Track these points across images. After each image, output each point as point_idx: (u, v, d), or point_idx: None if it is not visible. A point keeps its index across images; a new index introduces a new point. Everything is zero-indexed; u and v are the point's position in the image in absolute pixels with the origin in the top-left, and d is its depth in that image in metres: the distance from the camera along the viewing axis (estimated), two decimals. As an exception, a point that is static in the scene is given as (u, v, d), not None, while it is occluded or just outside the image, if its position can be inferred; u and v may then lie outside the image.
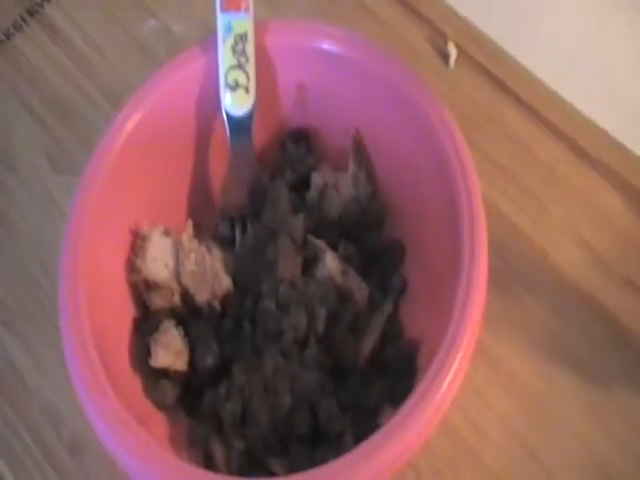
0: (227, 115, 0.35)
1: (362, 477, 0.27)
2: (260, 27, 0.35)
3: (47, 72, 0.44)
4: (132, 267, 0.34)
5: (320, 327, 0.33)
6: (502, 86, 0.44)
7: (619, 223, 0.39)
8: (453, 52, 0.45)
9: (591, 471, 0.35)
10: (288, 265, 0.34)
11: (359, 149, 0.37)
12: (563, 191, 0.40)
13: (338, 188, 0.38)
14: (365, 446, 0.27)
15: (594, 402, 0.36)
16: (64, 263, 0.31)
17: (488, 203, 0.31)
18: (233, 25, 0.34)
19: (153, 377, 0.33)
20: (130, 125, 0.34)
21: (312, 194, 0.37)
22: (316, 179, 0.37)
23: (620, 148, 0.41)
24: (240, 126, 0.35)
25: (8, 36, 0.45)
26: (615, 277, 0.38)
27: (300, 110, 0.38)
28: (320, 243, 0.35)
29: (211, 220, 0.37)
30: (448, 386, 0.28)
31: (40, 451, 0.37)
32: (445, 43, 0.45)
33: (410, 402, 0.28)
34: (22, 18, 0.45)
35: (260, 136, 0.37)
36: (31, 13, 0.45)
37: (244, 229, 0.37)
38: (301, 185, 0.38)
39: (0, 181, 0.42)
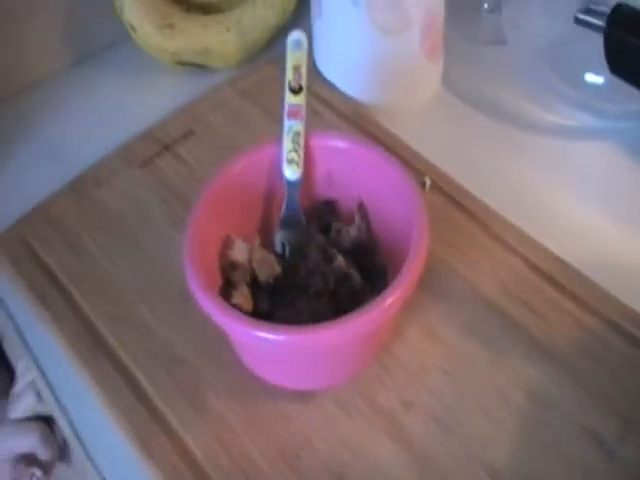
0: (286, 180, 0.61)
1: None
2: (308, 132, 0.62)
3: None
4: (223, 255, 0.59)
5: (331, 286, 0.57)
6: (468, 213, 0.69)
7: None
8: (427, 182, 0.71)
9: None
10: (315, 258, 0.59)
11: (361, 209, 0.63)
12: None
13: (348, 232, 0.62)
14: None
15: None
16: (187, 248, 0.54)
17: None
18: (293, 127, 0.61)
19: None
20: (226, 178, 0.59)
21: (333, 234, 0.62)
22: (336, 226, 0.62)
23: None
24: (292, 187, 0.61)
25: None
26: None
27: (328, 186, 0.63)
28: (335, 251, 0.59)
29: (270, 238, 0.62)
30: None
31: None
32: (421, 175, 0.71)
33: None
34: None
35: (303, 198, 0.62)
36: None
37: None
38: (326, 230, 0.63)
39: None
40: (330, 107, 0.75)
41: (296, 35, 0.65)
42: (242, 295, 0.57)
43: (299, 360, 0.54)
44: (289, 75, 0.63)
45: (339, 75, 0.79)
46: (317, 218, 0.63)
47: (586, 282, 0.60)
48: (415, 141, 0.72)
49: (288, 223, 0.62)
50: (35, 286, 0.63)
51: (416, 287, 0.51)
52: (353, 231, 0.62)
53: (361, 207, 0.62)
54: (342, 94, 0.78)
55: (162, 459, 0.52)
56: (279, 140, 0.60)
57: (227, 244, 0.59)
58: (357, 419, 0.54)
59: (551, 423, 0.53)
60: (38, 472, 0.64)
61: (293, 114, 0.62)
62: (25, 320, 0.64)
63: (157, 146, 0.73)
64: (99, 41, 0.85)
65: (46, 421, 0.65)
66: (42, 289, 0.62)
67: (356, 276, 0.58)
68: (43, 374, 0.61)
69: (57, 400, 0.60)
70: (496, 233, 0.65)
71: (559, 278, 0.61)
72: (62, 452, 0.66)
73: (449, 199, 0.67)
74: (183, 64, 0.82)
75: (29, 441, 0.64)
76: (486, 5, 0.85)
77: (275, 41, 0.85)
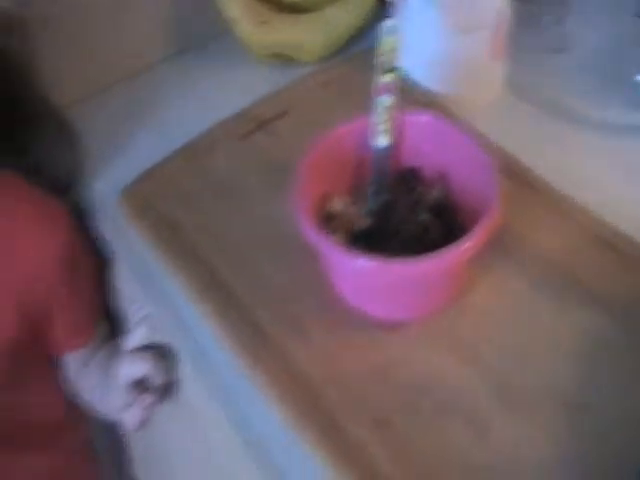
0: (377, 147, 0.70)
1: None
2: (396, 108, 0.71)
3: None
4: (322, 208, 0.68)
5: (418, 234, 0.66)
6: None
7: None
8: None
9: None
10: (403, 212, 0.68)
11: (442, 176, 0.71)
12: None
13: (431, 193, 0.71)
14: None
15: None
16: (297, 197, 0.63)
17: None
18: (384, 101, 0.71)
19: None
20: (325, 144, 0.69)
21: (416, 195, 0.71)
22: (419, 189, 0.71)
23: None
24: (382, 153, 0.70)
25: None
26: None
27: (413, 155, 0.72)
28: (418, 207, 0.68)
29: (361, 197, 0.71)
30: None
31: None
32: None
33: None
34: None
35: (391, 165, 0.71)
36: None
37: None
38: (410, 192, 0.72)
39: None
40: (405, 94, 0.85)
41: (390, 22, 0.74)
42: (340, 241, 0.66)
43: (392, 290, 0.63)
44: (383, 56, 0.72)
45: (414, 67, 0.88)
46: (403, 182, 0.72)
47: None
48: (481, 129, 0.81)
49: (378, 185, 0.71)
50: (155, 230, 0.72)
51: (488, 247, 0.60)
52: (435, 193, 0.71)
53: (442, 175, 0.71)
54: (417, 84, 0.87)
55: (272, 376, 0.61)
56: (371, 113, 0.70)
57: (326, 199, 0.69)
58: (439, 347, 0.62)
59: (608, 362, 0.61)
60: (149, 398, 0.73)
61: (385, 90, 0.71)
62: (150, 262, 0.73)
63: (253, 124, 0.83)
64: (201, 33, 0.96)
65: (159, 350, 0.74)
66: (161, 233, 0.72)
67: (437, 228, 0.67)
68: (166, 304, 0.70)
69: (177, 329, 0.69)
70: (562, 208, 0.73)
71: (617, 244, 0.69)
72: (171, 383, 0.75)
73: (517, 178, 0.76)
74: (275, 57, 0.92)
75: (142, 367, 0.73)
76: (548, 17, 0.94)
77: (355, 40, 0.94)
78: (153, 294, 0.73)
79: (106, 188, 0.79)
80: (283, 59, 0.93)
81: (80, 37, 0.85)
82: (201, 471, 0.83)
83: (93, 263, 0.82)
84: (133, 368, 0.73)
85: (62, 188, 0.80)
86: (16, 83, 0.75)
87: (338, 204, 0.69)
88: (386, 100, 0.71)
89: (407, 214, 0.68)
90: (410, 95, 0.84)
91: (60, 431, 0.89)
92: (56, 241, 0.74)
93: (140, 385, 0.74)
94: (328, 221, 0.68)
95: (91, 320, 0.82)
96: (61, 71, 0.80)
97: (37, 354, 0.82)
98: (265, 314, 0.65)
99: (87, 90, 0.86)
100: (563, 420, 0.58)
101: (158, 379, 0.73)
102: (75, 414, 0.89)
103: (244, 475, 0.66)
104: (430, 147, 0.71)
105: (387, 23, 0.74)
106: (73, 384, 0.85)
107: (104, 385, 0.80)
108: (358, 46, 0.94)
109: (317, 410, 0.59)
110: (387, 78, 0.72)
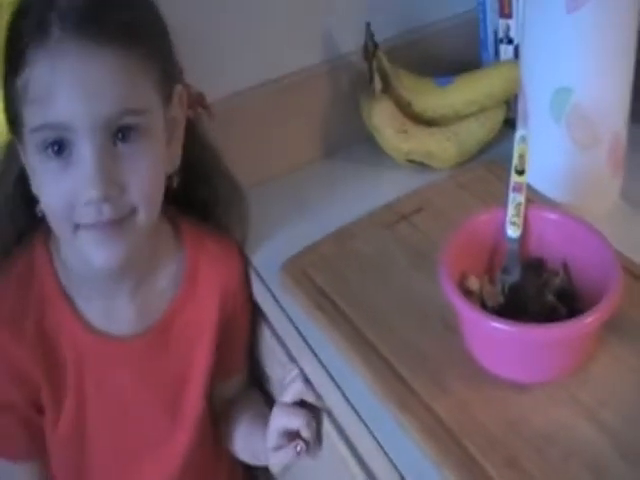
0: (508, 236, 0.81)
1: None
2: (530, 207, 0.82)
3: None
4: (459, 285, 0.78)
5: (545, 313, 0.76)
6: None
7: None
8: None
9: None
10: (532, 292, 0.78)
11: (565, 266, 0.81)
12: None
13: (554, 280, 0.81)
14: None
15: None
16: (443, 272, 0.75)
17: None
18: (516, 198, 0.82)
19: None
20: (464, 230, 0.80)
21: (543, 280, 0.81)
22: (545, 275, 0.81)
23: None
24: (513, 243, 0.81)
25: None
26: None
27: (538, 245, 0.83)
28: (546, 290, 0.78)
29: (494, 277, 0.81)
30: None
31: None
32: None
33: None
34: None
35: (520, 252, 0.82)
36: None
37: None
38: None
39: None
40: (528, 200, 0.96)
41: (521, 133, 0.86)
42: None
43: (523, 355, 0.72)
44: (515, 160, 0.84)
45: (537, 177, 0.99)
46: (531, 268, 0.82)
47: None
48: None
49: (509, 269, 0.81)
50: (310, 297, 0.84)
51: (609, 328, 0.70)
52: (558, 280, 0.81)
53: (565, 265, 0.81)
54: (539, 192, 0.98)
55: (415, 417, 0.71)
56: (503, 208, 0.81)
57: (464, 277, 0.79)
58: (564, 406, 0.71)
59: None
60: (302, 444, 0.83)
61: (517, 189, 0.83)
62: (305, 324, 0.85)
63: (396, 216, 0.95)
64: (346, 138, 1.10)
65: (311, 408, 0.85)
66: (317, 301, 0.83)
67: (562, 310, 0.77)
68: (319, 362, 0.81)
69: (329, 380, 0.80)
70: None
71: None
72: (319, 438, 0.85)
73: (632, 273, 0.85)
74: (411, 162, 1.05)
75: (296, 421, 0.83)
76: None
77: (483, 151, 1.07)
78: (303, 352, 0.84)
79: (266, 260, 0.93)
80: (418, 164, 1.06)
81: (252, 135, 1.02)
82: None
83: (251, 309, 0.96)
84: (288, 420, 0.84)
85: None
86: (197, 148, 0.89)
87: (474, 282, 0.79)
88: (517, 197, 0.82)
89: (535, 295, 0.78)
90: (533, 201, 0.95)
91: None
92: (235, 271, 0.91)
93: (291, 434, 0.84)
94: (467, 296, 0.78)
95: (243, 356, 0.96)
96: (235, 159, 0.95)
97: None
98: (408, 370, 0.75)
99: (250, 178, 1.01)
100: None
101: (308, 433, 0.83)
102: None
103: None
104: (555, 239, 0.81)
105: (519, 133, 0.86)
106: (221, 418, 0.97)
107: (252, 425, 0.92)
108: (487, 154, 1.06)
109: (455, 448, 0.68)
110: (518, 179, 0.83)
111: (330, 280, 0.86)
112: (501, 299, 0.79)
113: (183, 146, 0.85)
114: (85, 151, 0.72)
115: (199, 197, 0.91)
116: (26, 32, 0.72)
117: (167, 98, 0.80)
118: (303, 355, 0.85)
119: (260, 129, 1.04)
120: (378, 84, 1.05)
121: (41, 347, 0.84)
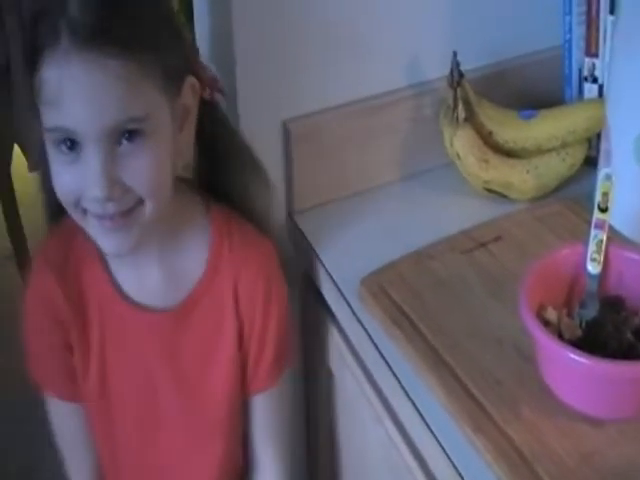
0: (588, 272, 0.82)
1: None
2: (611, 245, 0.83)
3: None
4: (537, 315, 0.79)
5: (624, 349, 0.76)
6: None
7: None
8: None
9: None
10: (611, 329, 0.79)
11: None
12: None
13: (634, 319, 0.82)
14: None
15: None
16: (522, 303, 0.76)
17: None
18: (598, 235, 0.83)
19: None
20: (545, 263, 0.81)
21: (621, 318, 0.82)
22: (624, 313, 0.82)
23: None
24: (593, 279, 0.82)
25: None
26: None
27: (618, 283, 0.84)
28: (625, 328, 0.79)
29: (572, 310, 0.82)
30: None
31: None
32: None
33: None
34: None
35: (599, 289, 0.83)
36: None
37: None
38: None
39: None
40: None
41: (606, 171, 0.87)
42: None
43: (599, 389, 0.73)
44: (598, 197, 0.85)
45: (616, 217, 1.00)
46: (609, 305, 0.83)
47: None
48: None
49: (586, 304, 0.82)
50: (387, 312, 0.86)
51: None
52: (637, 320, 0.81)
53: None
54: (619, 232, 0.98)
55: (489, 439, 0.72)
56: (584, 244, 0.82)
57: (541, 307, 0.81)
58: (637, 445, 0.72)
59: None
60: None
61: (599, 226, 0.84)
62: (381, 339, 0.87)
63: (474, 243, 0.96)
64: (425, 163, 1.12)
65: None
66: (394, 317, 0.85)
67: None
68: (394, 376, 0.83)
69: (402, 394, 0.81)
70: None
71: None
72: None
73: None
74: (489, 191, 1.07)
75: None
76: None
77: (561, 186, 1.08)
78: (379, 365, 0.86)
79: (345, 273, 0.95)
80: (496, 194, 1.07)
81: (334, 152, 1.06)
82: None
83: (286, 314, 0.93)
84: None
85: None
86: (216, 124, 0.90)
87: (552, 314, 0.80)
88: (599, 234, 0.83)
89: (614, 332, 0.79)
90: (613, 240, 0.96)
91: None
92: (255, 264, 0.90)
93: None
94: (545, 326, 0.79)
95: (279, 364, 0.94)
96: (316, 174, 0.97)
97: None
98: (482, 393, 0.77)
99: (330, 194, 1.03)
100: None
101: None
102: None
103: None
104: (635, 279, 0.82)
105: (604, 171, 0.87)
106: None
107: None
108: (565, 190, 1.07)
109: (528, 473, 0.69)
110: (601, 216, 0.84)
111: (407, 299, 0.88)
112: (579, 332, 0.80)
113: (203, 131, 0.87)
114: (90, 155, 0.75)
115: (223, 181, 0.93)
116: (41, 33, 0.75)
117: (175, 93, 0.81)
118: (378, 367, 0.87)
119: (342, 146, 1.06)
120: (462, 112, 1.07)
121: (75, 303, 0.88)
